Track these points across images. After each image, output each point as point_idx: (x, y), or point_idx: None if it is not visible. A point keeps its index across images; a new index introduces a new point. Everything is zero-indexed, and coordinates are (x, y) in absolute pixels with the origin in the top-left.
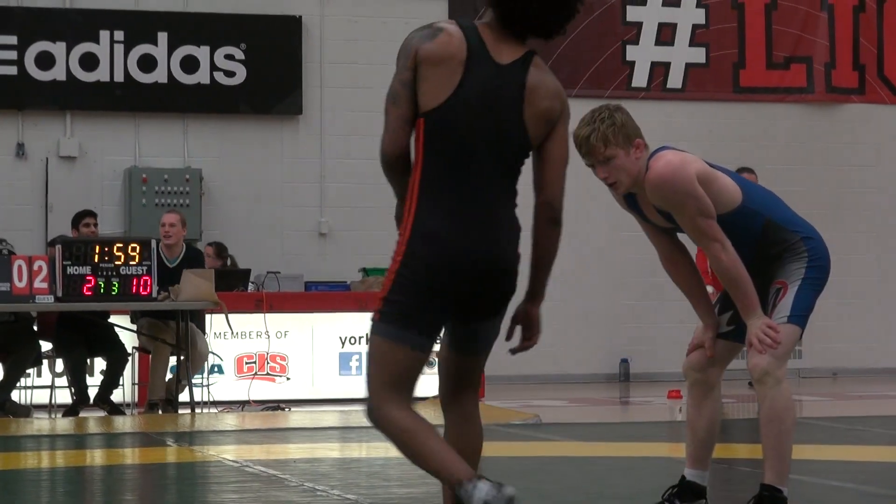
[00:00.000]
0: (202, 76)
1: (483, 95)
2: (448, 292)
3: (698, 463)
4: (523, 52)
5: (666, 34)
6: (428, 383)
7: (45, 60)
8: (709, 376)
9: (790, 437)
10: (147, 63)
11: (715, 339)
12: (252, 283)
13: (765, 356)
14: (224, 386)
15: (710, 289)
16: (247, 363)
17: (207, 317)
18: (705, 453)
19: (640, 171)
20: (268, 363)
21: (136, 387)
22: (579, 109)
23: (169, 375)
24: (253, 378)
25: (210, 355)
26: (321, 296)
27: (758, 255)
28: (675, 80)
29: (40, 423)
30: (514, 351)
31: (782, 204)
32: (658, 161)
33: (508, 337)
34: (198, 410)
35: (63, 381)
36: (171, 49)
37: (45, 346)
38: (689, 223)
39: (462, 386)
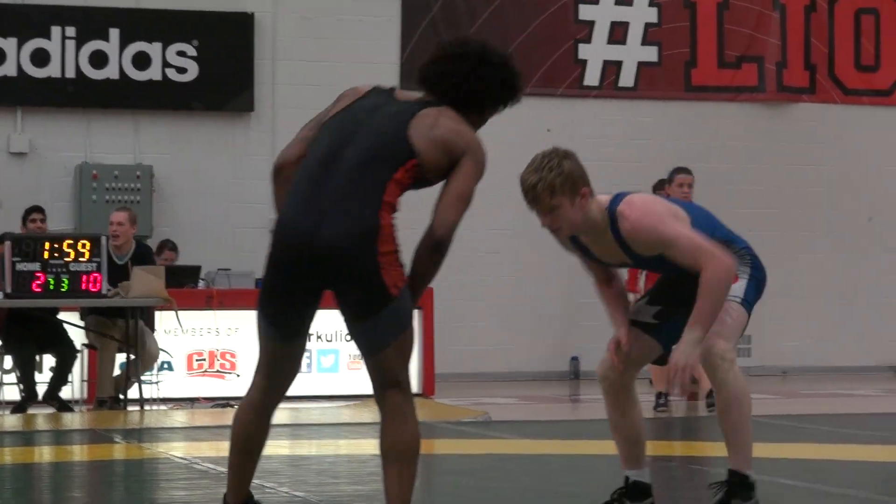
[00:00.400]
0: (154, 73)
1: (367, 108)
2: (281, 272)
3: (634, 462)
4: (433, 99)
5: (618, 33)
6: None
7: None
8: (626, 377)
9: (749, 419)
10: (99, 59)
11: (629, 333)
12: (202, 279)
13: (716, 339)
14: (173, 383)
15: (631, 296)
16: (197, 360)
17: (157, 314)
18: (639, 451)
19: (586, 218)
20: (217, 360)
21: (85, 384)
22: (531, 107)
23: (118, 372)
24: (203, 375)
25: (160, 353)
26: None
27: None
28: (627, 78)
29: None
30: None
31: (718, 222)
32: (631, 210)
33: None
34: (147, 407)
35: (11, 377)
36: (122, 45)
37: None
38: (684, 257)
39: (383, 384)
